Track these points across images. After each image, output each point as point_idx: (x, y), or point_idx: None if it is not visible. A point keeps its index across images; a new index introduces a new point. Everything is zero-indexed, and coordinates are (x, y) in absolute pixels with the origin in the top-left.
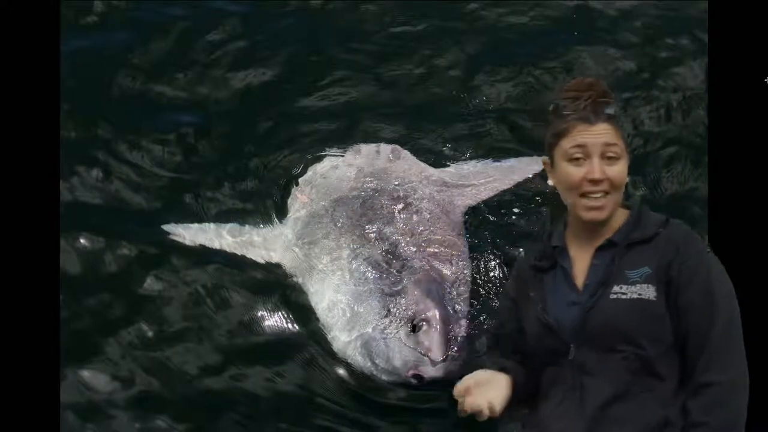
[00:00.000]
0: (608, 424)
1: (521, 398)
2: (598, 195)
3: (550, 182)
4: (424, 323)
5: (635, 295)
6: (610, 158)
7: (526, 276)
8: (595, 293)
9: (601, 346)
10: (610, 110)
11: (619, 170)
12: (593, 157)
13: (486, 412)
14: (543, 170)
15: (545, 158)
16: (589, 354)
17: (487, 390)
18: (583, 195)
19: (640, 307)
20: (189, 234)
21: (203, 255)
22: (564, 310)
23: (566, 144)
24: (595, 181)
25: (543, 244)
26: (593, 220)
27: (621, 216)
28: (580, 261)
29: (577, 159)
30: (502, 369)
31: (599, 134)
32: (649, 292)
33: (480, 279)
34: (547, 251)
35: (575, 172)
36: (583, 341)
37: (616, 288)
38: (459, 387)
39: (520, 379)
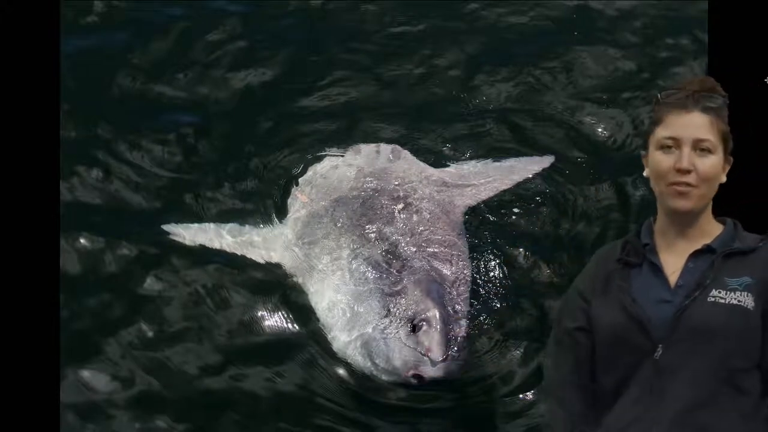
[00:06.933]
0: (690, 430)
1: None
2: (684, 186)
3: (645, 173)
4: (424, 323)
5: (734, 301)
6: (702, 150)
7: (608, 270)
8: (691, 295)
9: (690, 348)
10: (711, 103)
11: (710, 164)
12: (683, 147)
13: None
14: (543, 170)
15: (643, 152)
16: (675, 355)
17: None
18: (671, 185)
19: (738, 313)
20: (189, 234)
21: (203, 255)
22: (654, 307)
23: (660, 132)
24: (682, 171)
25: (631, 240)
26: (680, 208)
27: (716, 227)
28: (672, 262)
29: (668, 147)
30: None
31: (693, 125)
32: (748, 300)
33: (480, 279)
34: (637, 247)
35: (665, 160)
36: (672, 342)
37: (714, 292)
38: None
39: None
